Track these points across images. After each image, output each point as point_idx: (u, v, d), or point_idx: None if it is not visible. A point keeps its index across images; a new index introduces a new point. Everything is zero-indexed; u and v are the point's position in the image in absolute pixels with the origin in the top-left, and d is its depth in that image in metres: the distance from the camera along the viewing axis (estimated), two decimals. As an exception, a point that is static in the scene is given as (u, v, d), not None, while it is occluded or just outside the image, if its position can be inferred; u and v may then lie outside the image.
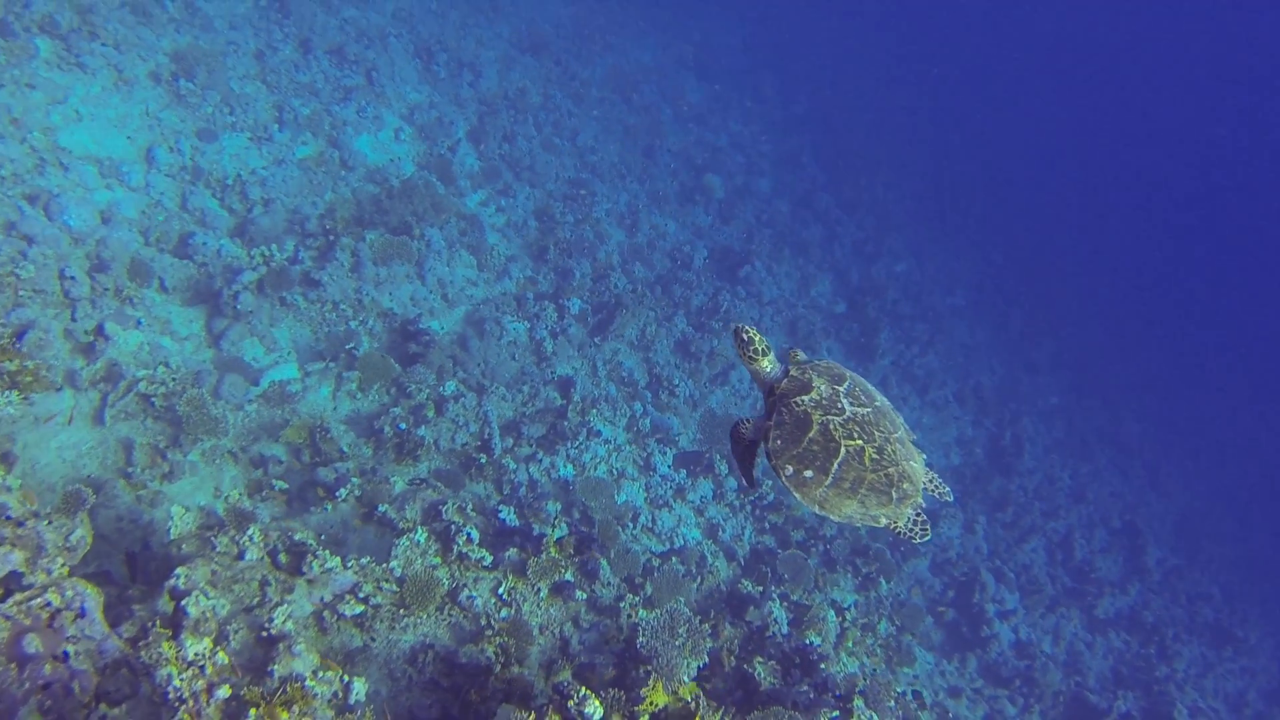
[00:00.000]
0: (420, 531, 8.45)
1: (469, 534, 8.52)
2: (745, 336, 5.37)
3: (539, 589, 8.64)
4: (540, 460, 11.83)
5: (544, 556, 8.80)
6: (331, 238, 12.70)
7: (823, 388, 5.12)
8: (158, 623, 6.18)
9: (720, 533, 12.85)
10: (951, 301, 26.49)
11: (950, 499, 5.53)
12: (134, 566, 7.82)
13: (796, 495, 5.00)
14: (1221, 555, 24.24)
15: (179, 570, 6.67)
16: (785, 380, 5.28)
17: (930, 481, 5.44)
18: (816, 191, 25.53)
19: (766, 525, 13.49)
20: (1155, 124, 51.73)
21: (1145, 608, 19.50)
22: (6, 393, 8.17)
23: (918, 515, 5.18)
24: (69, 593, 6.01)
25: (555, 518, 10.00)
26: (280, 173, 13.56)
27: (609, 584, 9.57)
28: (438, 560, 8.36)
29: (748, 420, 5.55)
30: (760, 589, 11.24)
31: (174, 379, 9.77)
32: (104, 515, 8.64)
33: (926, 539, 5.15)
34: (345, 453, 10.30)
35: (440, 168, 15.71)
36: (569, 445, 12.23)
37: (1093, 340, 30.89)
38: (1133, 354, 32.48)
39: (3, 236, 9.87)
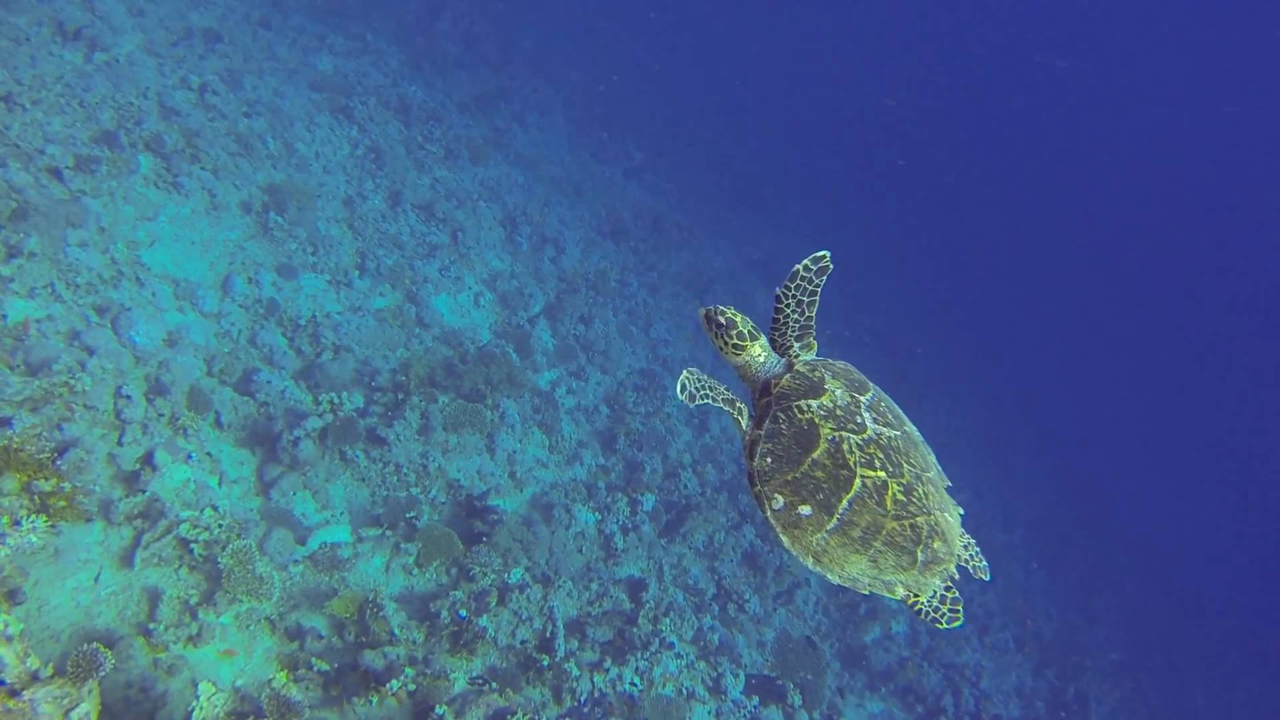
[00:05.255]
0: (490, 746, 6.98)
1: (550, 757, 7.03)
2: (723, 319, 3.91)
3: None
4: (607, 669, 10.32)
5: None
6: (401, 395, 11.74)
7: (838, 393, 3.63)
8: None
9: (794, 781, 11.14)
10: (1008, 540, 25.09)
11: (987, 577, 3.90)
12: None
13: (784, 540, 3.50)
14: None
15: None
16: (787, 376, 3.81)
17: (965, 549, 3.83)
18: (879, 414, 24.64)
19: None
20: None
21: None
22: (34, 517, 6.97)
23: (948, 589, 3.68)
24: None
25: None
26: (355, 321, 12.77)
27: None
28: (506, 785, 6.85)
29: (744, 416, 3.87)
30: None
31: (220, 526, 8.54)
32: (111, 680, 7.25)
33: (957, 625, 3.64)
34: (396, 635, 8.89)
35: (518, 339, 14.94)
36: (639, 655, 10.73)
37: (1155, 599, 29.07)
38: (1195, 616, 30.44)
39: (64, 344, 8.95)
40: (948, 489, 3.89)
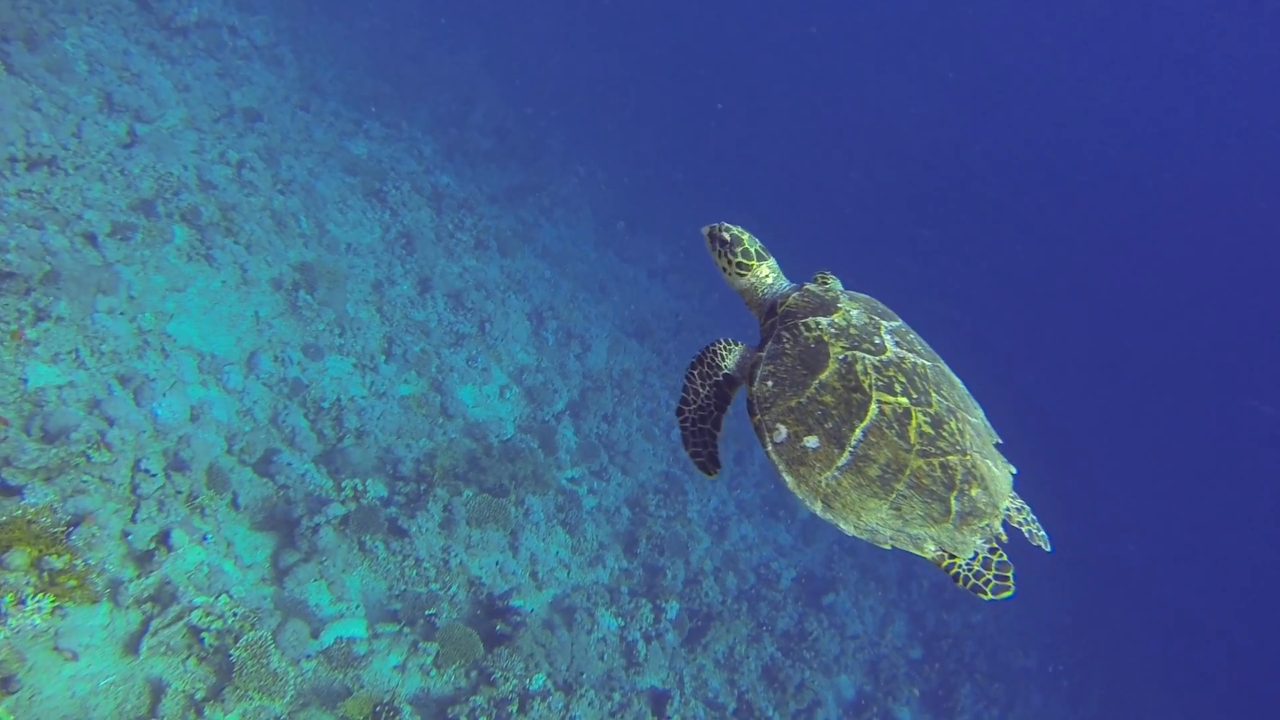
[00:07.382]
0: None
1: None
2: (727, 236, 3.45)
3: None
4: (631, 792, 9.65)
5: None
6: (424, 486, 11.29)
7: (854, 313, 3.13)
8: None
9: None
10: (1024, 664, 24.14)
11: (1048, 547, 3.13)
12: None
13: (788, 480, 2.87)
14: None
15: None
16: (795, 294, 3.35)
17: (1018, 511, 3.09)
18: (895, 528, 24.04)
19: None
20: None
21: None
22: (39, 596, 6.49)
23: (993, 550, 2.90)
24: None
25: None
26: (379, 406, 12.38)
27: None
28: None
29: (731, 342, 3.42)
30: None
31: (234, 615, 8.00)
32: (105, 783, 6.66)
33: (1007, 595, 2.87)
34: (412, 744, 8.28)
35: (544, 435, 14.51)
36: (664, 777, 10.05)
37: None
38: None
39: (84, 414, 8.56)
40: (998, 446, 3.22)
